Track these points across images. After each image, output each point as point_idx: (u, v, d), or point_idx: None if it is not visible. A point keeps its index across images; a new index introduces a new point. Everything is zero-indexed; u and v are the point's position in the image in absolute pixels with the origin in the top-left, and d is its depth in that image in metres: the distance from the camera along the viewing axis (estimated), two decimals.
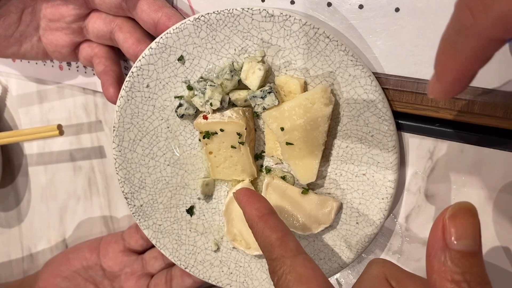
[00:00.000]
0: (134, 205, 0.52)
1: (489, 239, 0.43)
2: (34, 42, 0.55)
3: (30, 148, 0.73)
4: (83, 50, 0.56)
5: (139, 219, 0.52)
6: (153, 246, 0.62)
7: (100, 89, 0.62)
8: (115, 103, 0.52)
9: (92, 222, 0.71)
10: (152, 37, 0.52)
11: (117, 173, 0.51)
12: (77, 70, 0.63)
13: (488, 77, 0.39)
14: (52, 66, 0.65)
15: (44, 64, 0.66)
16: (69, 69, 0.64)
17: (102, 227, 0.70)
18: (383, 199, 0.44)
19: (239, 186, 0.49)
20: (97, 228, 0.70)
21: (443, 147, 0.44)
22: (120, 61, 0.56)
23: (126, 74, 0.59)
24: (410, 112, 0.43)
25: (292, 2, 0.45)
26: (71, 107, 0.67)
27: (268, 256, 0.34)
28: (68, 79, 0.65)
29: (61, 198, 0.72)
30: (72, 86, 0.65)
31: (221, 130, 0.47)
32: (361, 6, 0.42)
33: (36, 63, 0.67)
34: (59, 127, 0.59)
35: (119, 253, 0.62)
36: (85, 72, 0.63)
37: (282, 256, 0.33)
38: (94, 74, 0.62)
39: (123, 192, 0.52)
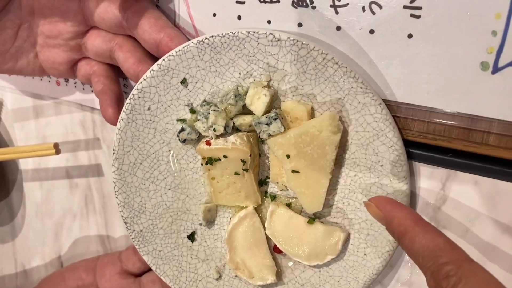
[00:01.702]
0: (134, 230, 0.50)
1: (504, 272, 0.42)
2: (31, 58, 0.54)
3: (25, 164, 0.71)
4: (82, 67, 0.54)
5: (139, 245, 0.50)
6: (150, 269, 0.60)
7: (99, 107, 0.60)
8: (114, 124, 0.51)
9: (88, 241, 0.69)
10: (153, 57, 0.51)
11: (116, 197, 0.50)
12: (75, 86, 0.62)
13: (504, 109, 0.37)
14: (49, 81, 0.63)
15: (41, 79, 0.64)
16: (66, 85, 0.62)
17: (98, 246, 0.68)
18: None
19: (242, 212, 0.48)
20: (93, 247, 0.69)
21: (456, 178, 0.42)
22: (119, 79, 0.55)
23: (126, 93, 0.58)
24: (422, 141, 0.42)
25: (300, 25, 0.43)
26: (68, 124, 0.65)
27: (434, 261, 0.31)
28: (65, 95, 0.63)
29: (57, 215, 0.70)
30: (70, 102, 0.64)
31: (225, 156, 0.45)
32: (372, 31, 0.40)
33: (33, 78, 0.65)
34: (56, 145, 0.58)
35: (116, 275, 0.60)
36: (83, 89, 0.61)
37: (457, 260, 0.30)
38: (92, 91, 0.60)
39: (122, 216, 0.50)
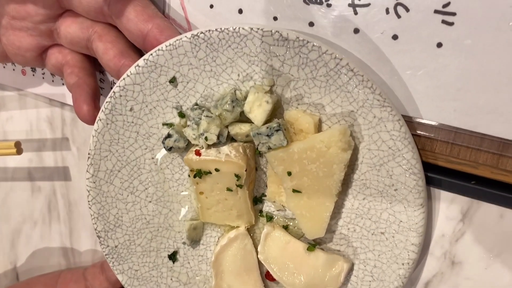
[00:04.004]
0: (108, 246, 0.44)
1: None
2: None
3: None
4: (52, 56, 0.47)
5: (113, 262, 0.44)
6: None
7: (70, 102, 0.54)
8: (88, 123, 0.44)
9: (49, 252, 0.62)
10: (137, 50, 0.45)
11: (89, 208, 0.44)
12: (43, 77, 0.55)
13: None
14: (13, 69, 0.56)
15: (4, 67, 0.57)
16: (33, 75, 0.55)
17: (60, 258, 0.62)
18: (403, 264, 0.38)
19: (233, 233, 0.42)
20: (54, 259, 0.62)
21: (478, 209, 0.37)
22: (95, 72, 0.48)
23: (102, 88, 0.51)
24: (443, 165, 0.37)
25: (311, 24, 0.38)
26: (33, 119, 0.59)
27: None
28: (31, 86, 0.57)
29: (15, 220, 0.64)
30: (37, 95, 0.57)
31: (216, 170, 0.39)
32: (395, 37, 0.35)
33: None
34: (17, 144, 0.51)
35: None
36: (52, 81, 0.54)
37: None
38: (62, 83, 0.54)
39: (95, 229, 0.44)
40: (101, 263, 0.55)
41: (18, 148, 0.51)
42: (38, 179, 0.60)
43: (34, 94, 0.57)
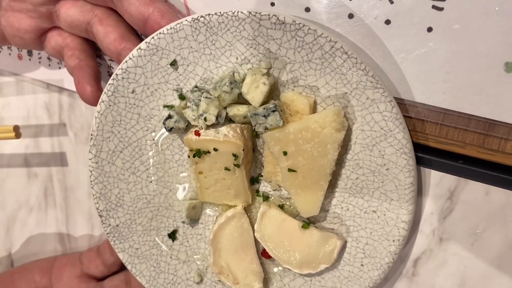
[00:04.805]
0: (109, 225, 0.45)
1: None
2: None
3: None
4: (52, 38, 0.48)
5: (114, 241, 0.46)
6: (114, 273, 0.55)
7: (68, 87, 0.54)
8: (91, 104, 0.46)
9: (45, 238, 0.62)
10: (137, 34, 0.46)
11: (92, 187, 0.45)
12: (39, 62, 0.55)
13: None
14: (10, 54, 0.56)
15: (0, 51, 0.58)
16: (29, 59, 0.55)
17: (56, 244, 0.61)
18: (394, 241, 0.39)
19: (230, 212, 0.44)
20: (50, 245, 0.62)
21: (465, 187, 0.39)
22: (95, 55, 0.49)
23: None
24: (432, 145, 0.38)
25: (307, 9, 0.39)
26: (30, 105, 0.58)
27: None
28: (28, 71, 0.56)
29: (10, 207, 0.63)
30: (34, 80, 0.57)
31: (215, 149, 0.41)
32: (388, 22, 0.36)
33: None
34: (16, 128, 0.52)
35: (75, 278, 0.54)
36: (49, 65, 0.54)
37: None
38: (60, 67, 0.54)
39: (97, 209, 0.45)
40: (97, 247, 0.55)
41: (17, 132, 0.51)
42: (35, 165, 0.60)
43: (31, 79, 0.57)
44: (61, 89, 0.56)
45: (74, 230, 0.60)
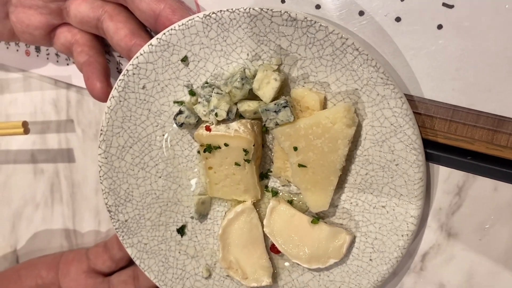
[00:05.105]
0: (118, 220, 0.46)
1: None
2: (0, 18, 0.47)
3: None
4: (61, 35, 0.48)
5: (123, 236, 0.46)
6: (121, 268, 0.55)
7: (76, 83, 0.54)
8: (101, 100, 0.46)
9: (51, 234, 0.62)
10: (147, 30, 0.46)
11: (101, 183, 0.45)
12: (47, 58, 0.55)
13: None
14: (17, 50, 0.56)
15: (7, 47, 0.57)
16: (37, 55, 0.55)
17: (63, 240, 0.61)
18: (402, 236, 0.40)
19: (239, 207, 0.44)
20: (56, 242, 0.62)
21: (474, 183, 0.39)
22: (104, 51, 0.49)
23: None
24: (441, 141, 0.39)
25: (318, 7, 0.40)
26: (38, 102, 0.58)
27: None
28: (36, 67, 0.56)
29: (16, 203, 0.63)
30: (41, 76, 0.57)
31: (226, 144, 0.41)
32: (398, 19, 0.37)
33: None
34: (25, 124, 0.52)
35: (82, 273, 0.54)
36: (57, 61, 0.55)
37: None
38: (68, 64, 0.54)
39: (106, 204, 0.45)
40: (104, 243, 0.55)
41: (25, 127, 0.51)
42: (41, 161, 0.60)
43: (39, 76, 0.57)
44: (68, 86, 0.56)
45: (80, 226, 0.60)
